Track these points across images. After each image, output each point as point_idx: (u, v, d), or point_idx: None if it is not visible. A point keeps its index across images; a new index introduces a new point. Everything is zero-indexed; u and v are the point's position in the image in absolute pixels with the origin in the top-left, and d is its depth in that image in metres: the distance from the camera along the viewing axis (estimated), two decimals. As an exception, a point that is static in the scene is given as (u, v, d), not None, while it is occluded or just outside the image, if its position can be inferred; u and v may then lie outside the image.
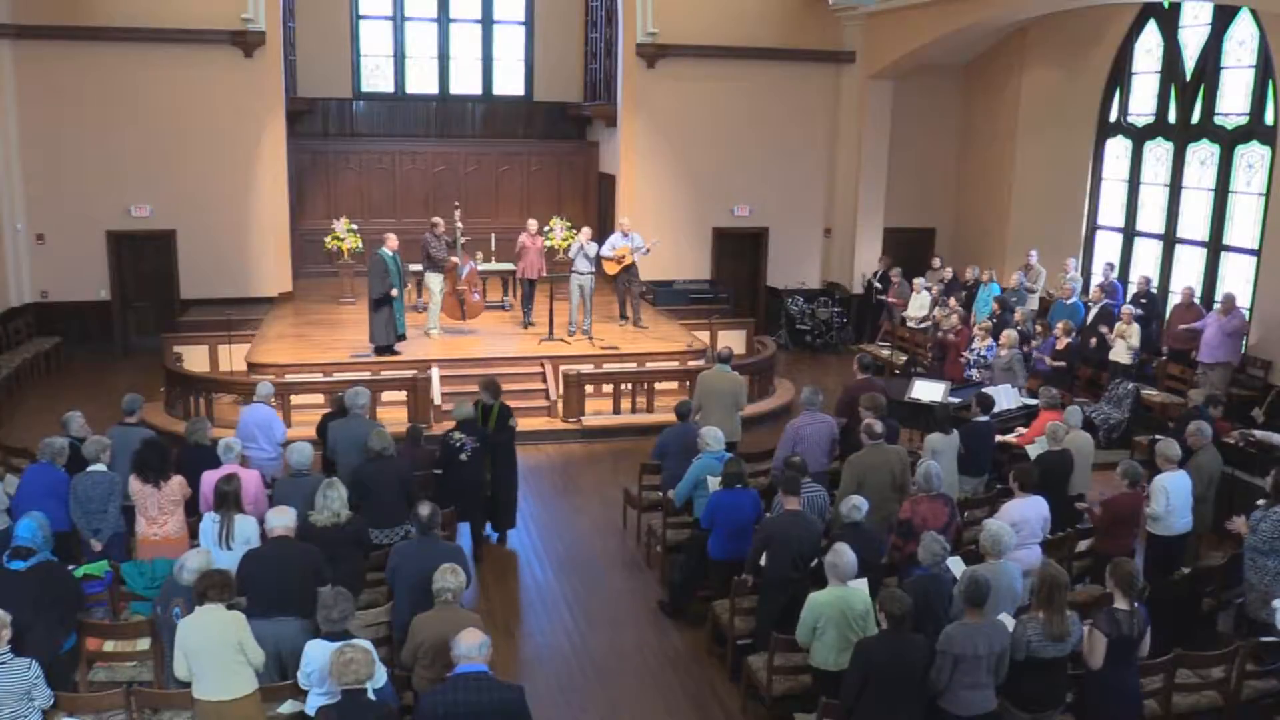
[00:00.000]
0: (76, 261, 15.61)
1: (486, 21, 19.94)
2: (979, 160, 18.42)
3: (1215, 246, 13.64)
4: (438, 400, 12.30)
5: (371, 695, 5.00)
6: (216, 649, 5.40)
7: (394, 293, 12.82)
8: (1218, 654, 6.47)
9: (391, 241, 13.12)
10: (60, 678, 5.86)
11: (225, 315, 14.27)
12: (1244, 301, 12.77)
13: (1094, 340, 13.11)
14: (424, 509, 6.51)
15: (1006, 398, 10.84)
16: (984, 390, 10.17)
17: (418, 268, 14.61)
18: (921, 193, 18.81)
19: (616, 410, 12.92)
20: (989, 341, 12.21)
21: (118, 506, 7.52)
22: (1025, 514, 7.17)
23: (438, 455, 9.02)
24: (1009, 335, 11.75)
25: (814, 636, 6.08)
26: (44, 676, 5.35)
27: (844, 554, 6.05)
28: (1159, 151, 14.69)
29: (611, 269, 14.88)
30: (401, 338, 13.25)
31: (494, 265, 15.89)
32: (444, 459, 8.90)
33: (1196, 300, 13.05)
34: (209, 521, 6.88)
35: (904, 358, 14.99)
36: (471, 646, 4.95)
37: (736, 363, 10.89)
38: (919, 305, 15.44)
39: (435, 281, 14.08)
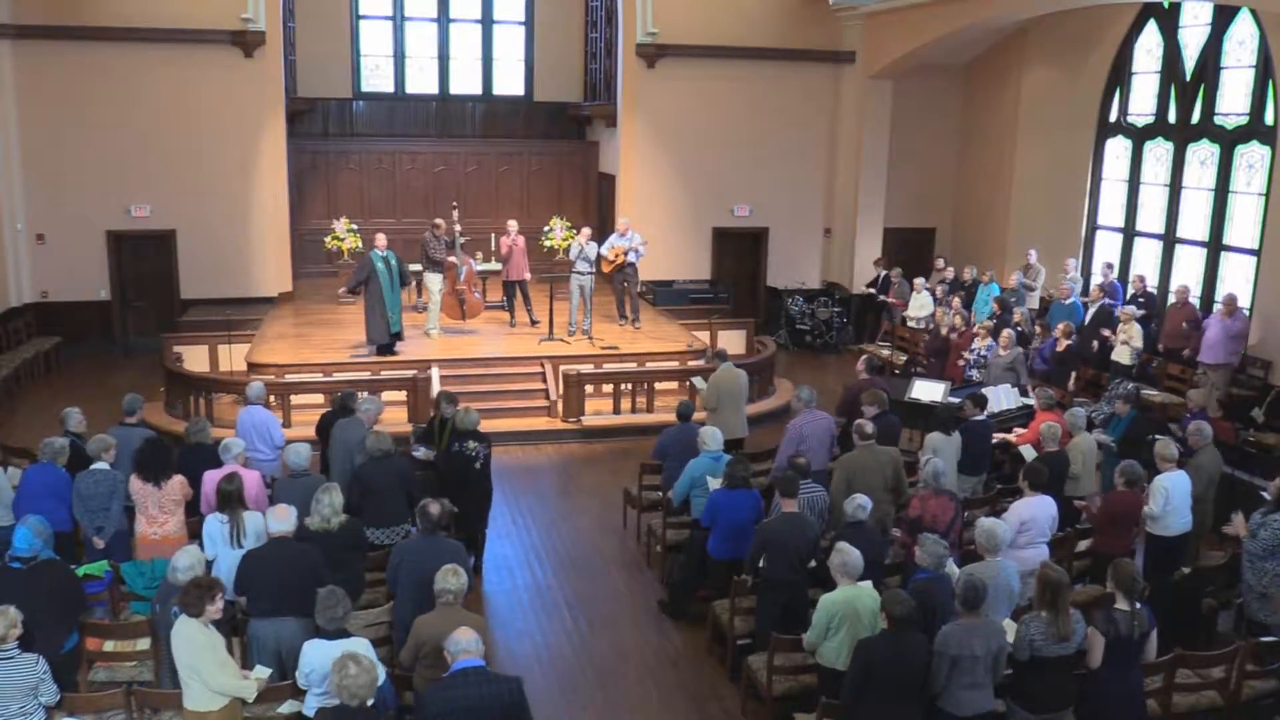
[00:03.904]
0: (76, 261, 15.62)
1: (486, 21, 19.94)
2: (979, 160, 18.42)
3: (1215, 246, 13.64)
4: (438, 400, 12.28)
5: (369, 701, 4.98)
6: (179, 661, 5.43)
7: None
8: (1218, 654, 6.47)
9: (380, 240, 13.21)
10: (62, 677, 5.85)
11: (225, 315, 14.27)
12: (1244, 301, 12.76)
13: (1095, 343, 13.11)
14: (433, 508, 6.51)
15: (1006, 398, 10.84)
16: (978, 390, 10.16)
17: (417, 268, 14.61)
18: (921, 193, 18.81)
19: (616, 410, 12.92)
20: (989, 341, 12.21)
21: (120, 504, 7.53)
22: (1034, 513, 7.19)
23: (441, 467, 8.73)
24: (1008, 335, 11.77)
25: (825, 637, 6.08)
26: (50, 673, 5.36)
27: (849, 552, 6.04)
28: (1159, 151, 14.69)
29: (605, 267, 14.91)
30: (397, 336, 13.25)
31: (493, 265, 15.90)
32: (455, 471, 8.55)
33: (1192, 300, 13.06)
34: (215, 522, 6.87)
35: (904, 358, 15.00)
36: (470, 641, 4.96)
37: (737, 363, 10.91)
38: (919, 305, 15.44)
39: (435, 282, 14.08)
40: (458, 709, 4.80)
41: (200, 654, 5.38)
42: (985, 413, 9.61)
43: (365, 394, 9.46)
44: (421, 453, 9.01)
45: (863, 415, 8.75)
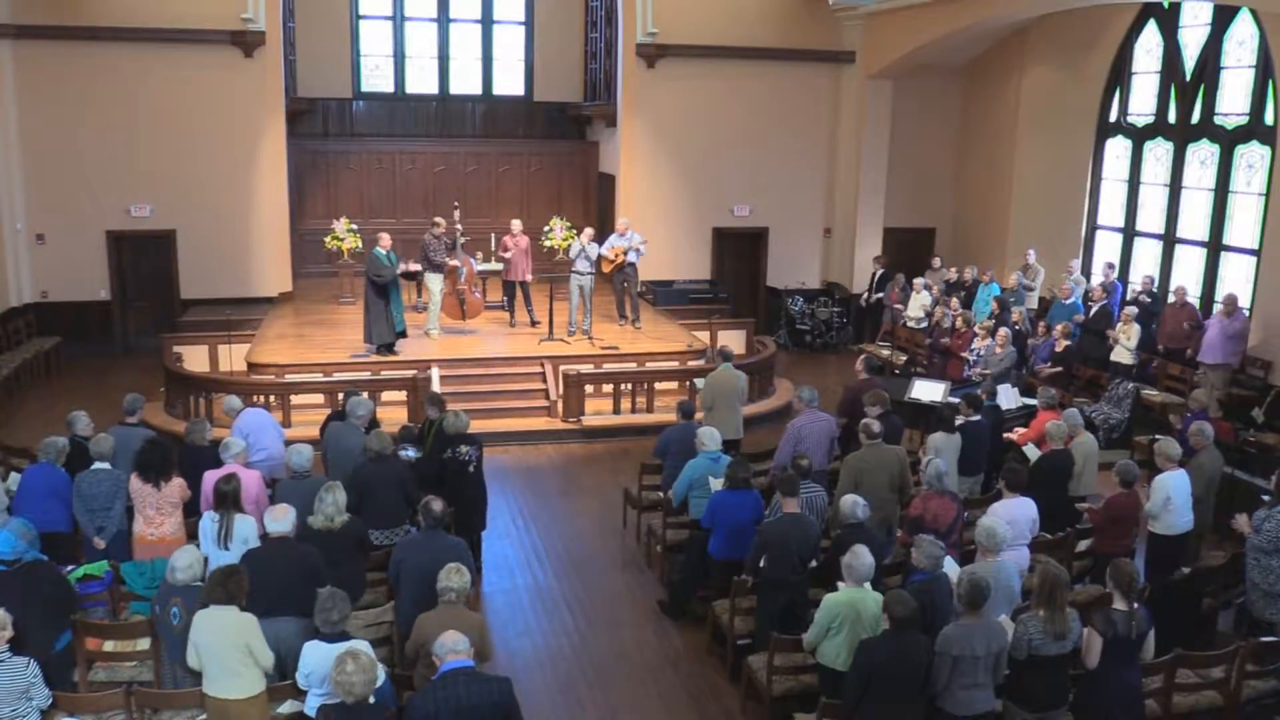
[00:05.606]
0: (76, 261, 15.62)
1: (486, 21, 19.94)
2: (979, 160, 18.42)
3: (1215, 246, 13.65)
4: (438, 400, 12.27)
5: (370, 698, 4.99)
6: (224, 649, 5.43)
7: (402, 268, 12.92)
8: (1218, 654, 6.47)
9: (385, 240, 13.21)
10: (55, 677, 5.85)
11: (225, 315, 14.26)
12: (1244, 302, 12.76)
13: (1097, 339, 13.11)
14: (435, 504, 6.51)
15: (1006, 398, 10.84)
16: (975, 391, 10.15)
17: (417, 268, 14.60)
18: (921, 193, 18.81)
19: (616, 410, 12.91)
20: (989, 341, 12.22)
21: (122, 505, 7.53)
22: (1013, 515, 7.16)
23: (427, 470, 8.63)
24: (1004, 334, 11.78)
25: (826, 637, 6.07)
26: (41, 676, 5.36)
27: (861, 555, 6.02)
28: (1159, 151, 14.69)
29: (605, 267, 14.91)
30: (402, 335, 13.25)
31: (493, 265, 15.90)
32: (449, 476, 8.50)
33: (1189, 300, 13.07)
34: (208, 520, 6.89)
35: (904, 358, 15.00)
36: (457, 642, 4.96)
37: (737, 363, 10.90)
38: (919, 305, 15.45)
39: (435, 282, 14.08)
40: (447, 710, 4.78)
41: (250, 633, 5.47)
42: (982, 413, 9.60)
43: (358, 395, 9.37)
44: (410, 454, 8.99)
45: (864, 415, 8.75)
